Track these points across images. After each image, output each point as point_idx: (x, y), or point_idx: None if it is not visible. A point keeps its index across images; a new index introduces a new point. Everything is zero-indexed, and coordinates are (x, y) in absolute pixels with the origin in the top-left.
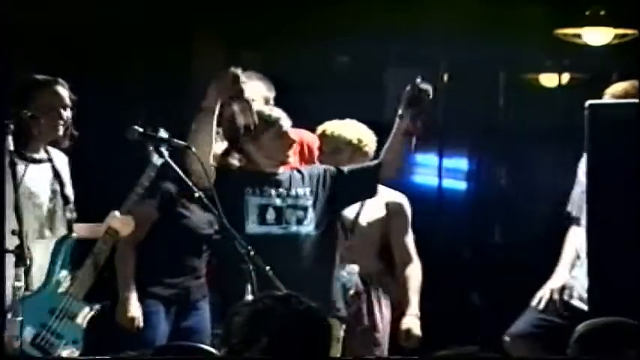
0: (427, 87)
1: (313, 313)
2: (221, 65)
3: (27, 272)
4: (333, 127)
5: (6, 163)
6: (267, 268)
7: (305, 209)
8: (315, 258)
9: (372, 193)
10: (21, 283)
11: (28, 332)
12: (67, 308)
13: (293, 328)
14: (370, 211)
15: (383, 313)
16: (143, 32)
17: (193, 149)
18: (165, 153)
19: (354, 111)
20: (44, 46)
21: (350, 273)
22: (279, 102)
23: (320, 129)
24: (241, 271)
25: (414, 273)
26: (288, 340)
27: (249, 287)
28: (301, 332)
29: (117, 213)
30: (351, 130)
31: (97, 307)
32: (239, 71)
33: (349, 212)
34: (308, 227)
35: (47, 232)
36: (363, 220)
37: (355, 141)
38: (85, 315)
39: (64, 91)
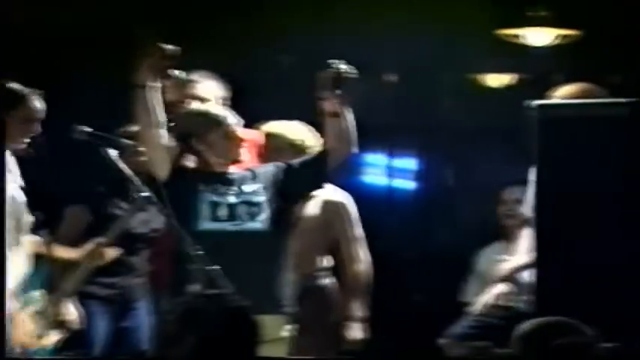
0: (346, 67)
1: (240, 311)
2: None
3: None
4: (277, 127)
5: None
6: (214, 267)
7: (258, 205)
8: (267, 255)
9: (321, 183)
10: None
11: None
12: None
13: (218, 328)
14: (311, 210)
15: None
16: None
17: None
18: (113, 153)
19: (301, 112)
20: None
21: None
22: (235, 103)
23: (264, 129)
24: (188, 271)
25: (360, 273)
26: (213, 340)
27: (196, 287)
28: (226, 331)
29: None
30: (295, 131)
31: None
32: (169, 47)
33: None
34: (260, 224)
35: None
36: (307, 219)
37: (299, 142)
38: (51, 338)
39: (40, 105)
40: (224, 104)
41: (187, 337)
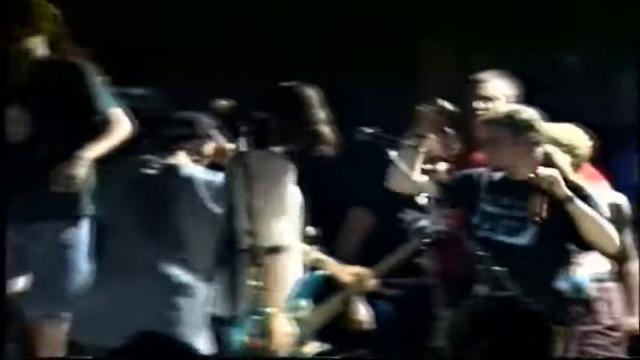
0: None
1: (536, 316)
2: (450, 65)
3: (260, 272)
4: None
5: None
6: (498, 269)
7: (520, 220)
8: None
9: None
10: (256, 283)
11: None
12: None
13: (514, 330)
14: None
15: (614, 314)
16: (368, 33)
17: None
18: (395, 155)
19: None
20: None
21: (585, 276)
22: (526, 101)
23: None
24: (475, 272)
25: (633, 272)
26: (510, 342)
27: (483, 288)
28: (523, 334)
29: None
30: (564, 131)
31: (323, 346)
32: (445, 103)
33: None
34: (523, 239)
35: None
36: None
37: (566, 142)
38: (312, 349)
39: (319, 97)
40: (511, 102)
41: (481, 338)
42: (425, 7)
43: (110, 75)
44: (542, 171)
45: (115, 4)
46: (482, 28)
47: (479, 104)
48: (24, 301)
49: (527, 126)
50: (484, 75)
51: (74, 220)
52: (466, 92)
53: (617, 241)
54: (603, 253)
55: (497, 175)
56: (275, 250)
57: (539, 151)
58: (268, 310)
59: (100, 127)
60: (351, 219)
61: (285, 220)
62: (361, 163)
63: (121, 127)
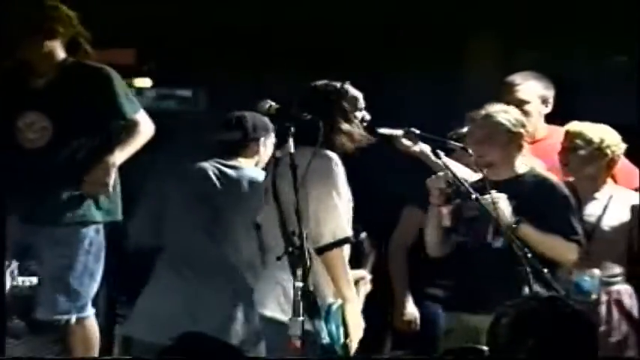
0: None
1: (580, 315)
2: (495, 64)
3: (307, 273)
4: (577, 125)
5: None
6: (545, 270)
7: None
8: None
9: None
10: (301, 284)
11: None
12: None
13: (559, 331)
14: (613, 214)
15: (624, 317)
16: (412, 31)
17: (470, 151)
18: (442, 154)
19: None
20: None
21: (592, 277)
22: (558, 101)
23: (566, 127)
24: (519, 272)
25: None
26: (555, 343)
27: (525, 288)
28: (568, 335)
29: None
30: (595, 129)
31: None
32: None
33: (589, 216)
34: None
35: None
36: (606, 224)
37: (597, 140)
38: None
39: (361, 97)
40: (547, 104)
41: (526, 338)
42: (470, 6)
43: (154, 77)
44: (493, 194)
45: (156, 5)
46: (527, 26)
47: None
48: (36, 302)
49: (521, 127)
50: (517, 77)
51: (88, 224)
52: (500, 95)
53: (571, 254)
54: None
55: (475, 177)
56: (328, 248)
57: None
58: (336, 303)
59: (124, 131)
60: (405, 217)
61: (335, 219)
62: (410, 163)
63: (146, 130)
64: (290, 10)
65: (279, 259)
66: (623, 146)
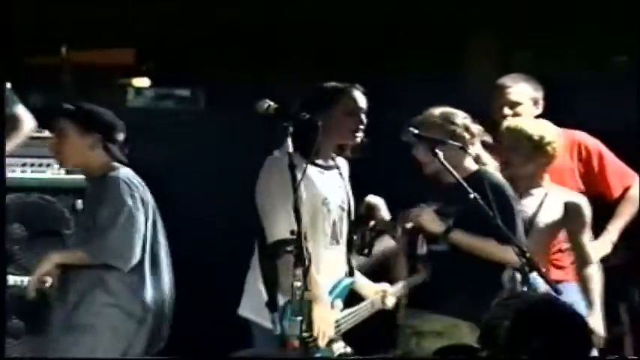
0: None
1: (575, 314)
2: (493, 66)
3: (305, 273)
4: (516, 122)
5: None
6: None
7: None
8: None
9: None
10: (300, 283)
11: None
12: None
13: (560, 331)
14: (548, 211)
15: None
16: (414, 32)
17: (467, 149)
18: (440, 154)
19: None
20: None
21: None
22: (547, 102)
23: (505, 124)
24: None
25: (592, 274)
26: (556, 343)
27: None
28: (567, 334)
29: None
30: (535, 126)
31: (348, 349)
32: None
33: (527, 211)
34: None
35: (336, 239)
36: (541, 221)
37: (536, 137)
38: (338, 348)
39: (362, 97)
40: (537, 105)
41: (529, 339)
42: (470, 6)
43: (153, 76)
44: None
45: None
46: (525, 26)
47: (505, 110)
48: None
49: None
50: (508, 80)
51: None
52: (493, 98)
53: (509, 256)
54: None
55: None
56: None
57: None
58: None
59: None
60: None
61: (328, 219)
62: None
63: (26, 125)
64: (290, 10)
65: (278, 258)
66: (561, 142)
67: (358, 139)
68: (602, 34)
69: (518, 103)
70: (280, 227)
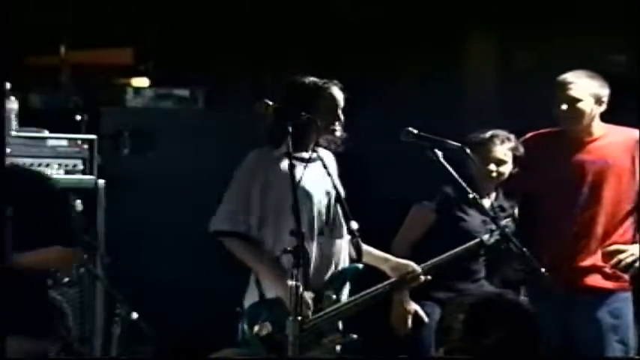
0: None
1: (528, 312)
2: (494, 64)
3: (305, 273)
4: None
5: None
6: (543, 270)
7: None
8: None
9: None
10: (299, 283)
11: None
12: (321, 326)
13: (514, 328)
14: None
15: None
16: (414, 32)
17: (468, 151)
18: (439, 154)
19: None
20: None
21: None
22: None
23: None
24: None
25: None
26: (510, 340)
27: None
28: (520, 332)
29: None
30: None
31: (350, 337)
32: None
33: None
34: None
35: (323, 231)
36: None
37: None
38: (332, 339)
39: (340, 94)
40: (600, 103)
41: (482, 337)
42: (470, 6)
43: (152, 76)
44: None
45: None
46: (526, 25)
47: (564, 107)
48: None
49: None
50: (569, 75)
51: None
52: (553, 95)
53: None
54: None
55: None
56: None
57: None
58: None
59: None
60: (413, 215)
61: (321, 216)
62: (411, 162)
63: None
64: (290, 10)
65: (277, 257)
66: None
67: (338, 134)
68: (602, 34)
69: (577, 100)
70: (220, 218)
